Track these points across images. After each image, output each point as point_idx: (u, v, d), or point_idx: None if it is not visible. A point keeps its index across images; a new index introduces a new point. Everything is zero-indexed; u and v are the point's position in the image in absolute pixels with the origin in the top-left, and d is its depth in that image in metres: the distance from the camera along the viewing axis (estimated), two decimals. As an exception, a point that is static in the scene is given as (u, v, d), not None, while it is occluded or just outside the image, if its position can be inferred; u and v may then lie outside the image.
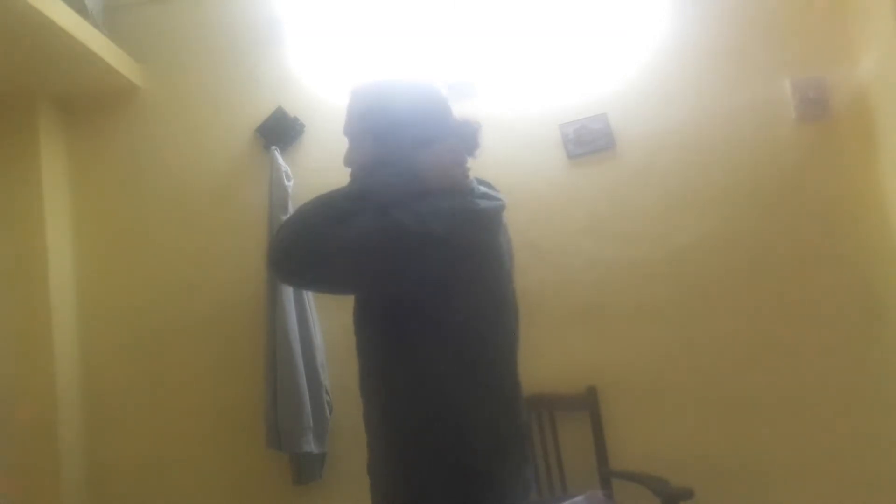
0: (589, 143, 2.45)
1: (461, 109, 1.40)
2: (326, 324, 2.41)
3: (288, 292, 2.32)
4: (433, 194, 1.25)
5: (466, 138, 1.37)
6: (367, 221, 1.19)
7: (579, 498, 1.82)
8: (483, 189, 1.37)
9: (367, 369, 1.37)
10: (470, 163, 1.39)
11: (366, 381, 1.37)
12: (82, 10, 2.27)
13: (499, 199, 1.36)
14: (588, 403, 2.28)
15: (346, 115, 1.40)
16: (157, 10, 2.67)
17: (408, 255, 1.19)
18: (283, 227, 1.29)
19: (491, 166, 1.70)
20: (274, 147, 2.49)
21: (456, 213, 1.23)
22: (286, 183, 2.43)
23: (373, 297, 1.33)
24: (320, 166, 2.43)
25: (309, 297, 2.39)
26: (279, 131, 2.54)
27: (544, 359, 2.24)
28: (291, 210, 2.38)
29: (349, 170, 1.40)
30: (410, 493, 1.27)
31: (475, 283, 1.27)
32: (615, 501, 2.14)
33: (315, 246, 1.20)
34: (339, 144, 1.42)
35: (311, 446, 2.26)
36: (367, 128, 1.36)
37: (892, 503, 2.13)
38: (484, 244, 1.30)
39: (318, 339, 2.39)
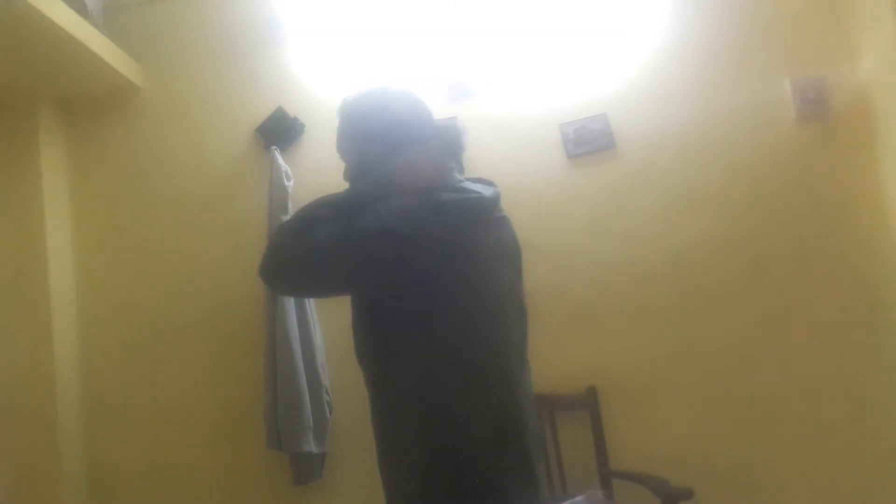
0: (589, 143, 2.45)
1: (461, 110, 1.41)
2: (326, 324, 2.41)
3: (288, 292, 2.32)
4: (401, 195, 1.28)
5: (448, 141, 1.41)
6: (332, 228, 1.26)
7: (579, 498, 1.82)
8: (465, 184, 1.35)
9: (366, 369, 1.38)
10: (463, 162, 1.40)
11: (366, 381, 1.39)
12: (82, 10, 2.28)
13: (473, 192, 1.33)
14: (588, 403, 2.28)
15: (337, 132, 1.47)
16: (157, 10, 2.67)
17: (368, 254, 1.25)
18: (270, 238, 1.39)
19: (491, 166, 1.71)
20: (274, 147, 2.49)
21: (413, 208, 1.26)
22: (286, 183, 2.43)
23: (357, 299, 1.37)
24: (320, 166, 2.43)
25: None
26: (279, 131, 2.54)
27: (544, 359, 2.21)
28: (291, 210, 2.39)
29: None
30: (410, 493, 1.28)
31: (454, 278, 1.26)
32: (615, 501, 2.14)
33: (283, 257, 1.31)
34: (339, 145, 1.44)
35: (311, 446, 2.26)
36: (353, 140, 1.44)
37: (892, 503, 2.13)
38: (449, 236, 1.26)
39: (318, 339, 2.39)
